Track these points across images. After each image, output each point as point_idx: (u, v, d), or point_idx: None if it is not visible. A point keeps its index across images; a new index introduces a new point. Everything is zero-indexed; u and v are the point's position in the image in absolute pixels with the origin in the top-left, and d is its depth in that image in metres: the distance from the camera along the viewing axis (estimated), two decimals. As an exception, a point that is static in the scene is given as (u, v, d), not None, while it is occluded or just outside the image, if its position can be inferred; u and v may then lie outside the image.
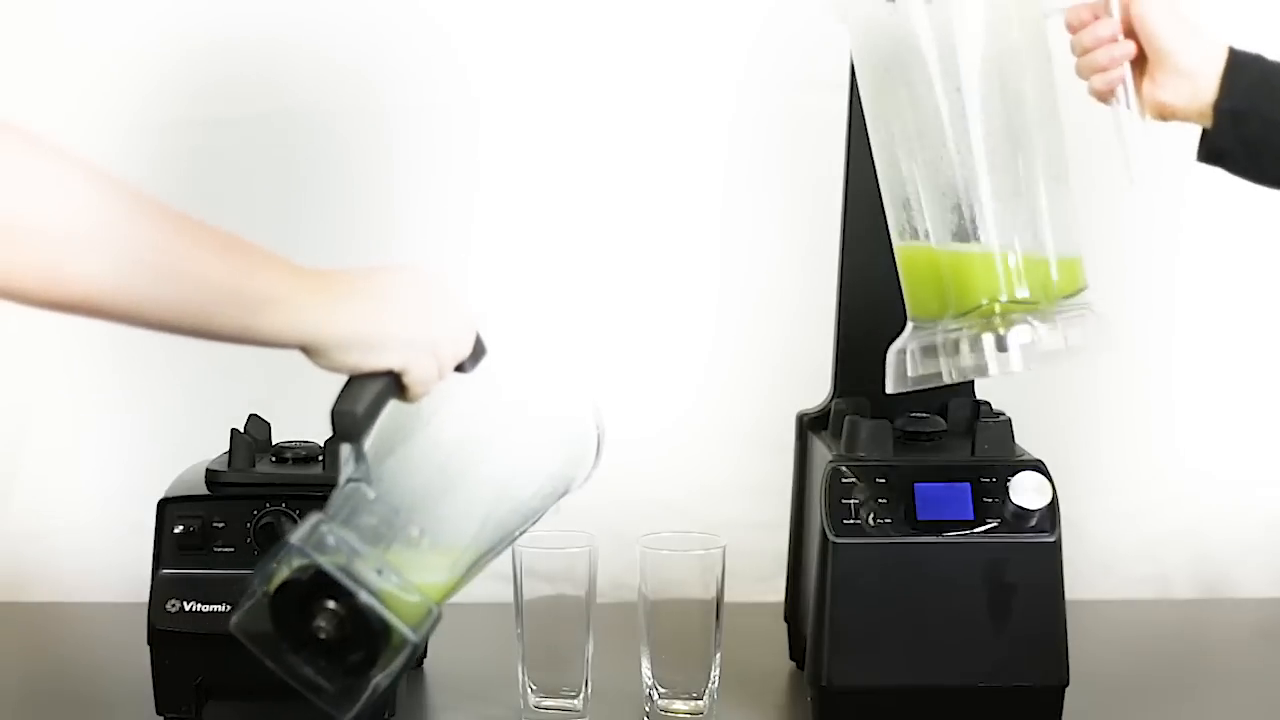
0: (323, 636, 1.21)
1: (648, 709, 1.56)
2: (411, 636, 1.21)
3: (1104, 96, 1.39)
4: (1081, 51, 1.39)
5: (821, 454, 1.58)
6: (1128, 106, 1.38)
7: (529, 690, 1.57)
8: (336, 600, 1.20)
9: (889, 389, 1.43)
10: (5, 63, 1.90)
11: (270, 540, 1.51)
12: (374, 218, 1.92)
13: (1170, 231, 1.94)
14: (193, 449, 1.65)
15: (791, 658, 1.73)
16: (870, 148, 1.43)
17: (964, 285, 1.38)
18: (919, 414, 1.58)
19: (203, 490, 1.56)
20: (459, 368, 1.28)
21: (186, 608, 1.51)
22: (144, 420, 1.94)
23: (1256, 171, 1.38)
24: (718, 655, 1.55)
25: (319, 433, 1.60)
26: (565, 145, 1.94)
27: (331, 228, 1.90)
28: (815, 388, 1.69)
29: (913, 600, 1.49)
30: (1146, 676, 1.72)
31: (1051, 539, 1.50)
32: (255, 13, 1.91)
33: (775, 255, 1.94)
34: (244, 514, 1.53)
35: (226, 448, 1.58)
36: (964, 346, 1.37)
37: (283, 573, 1.21)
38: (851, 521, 1.49)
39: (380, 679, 1.23)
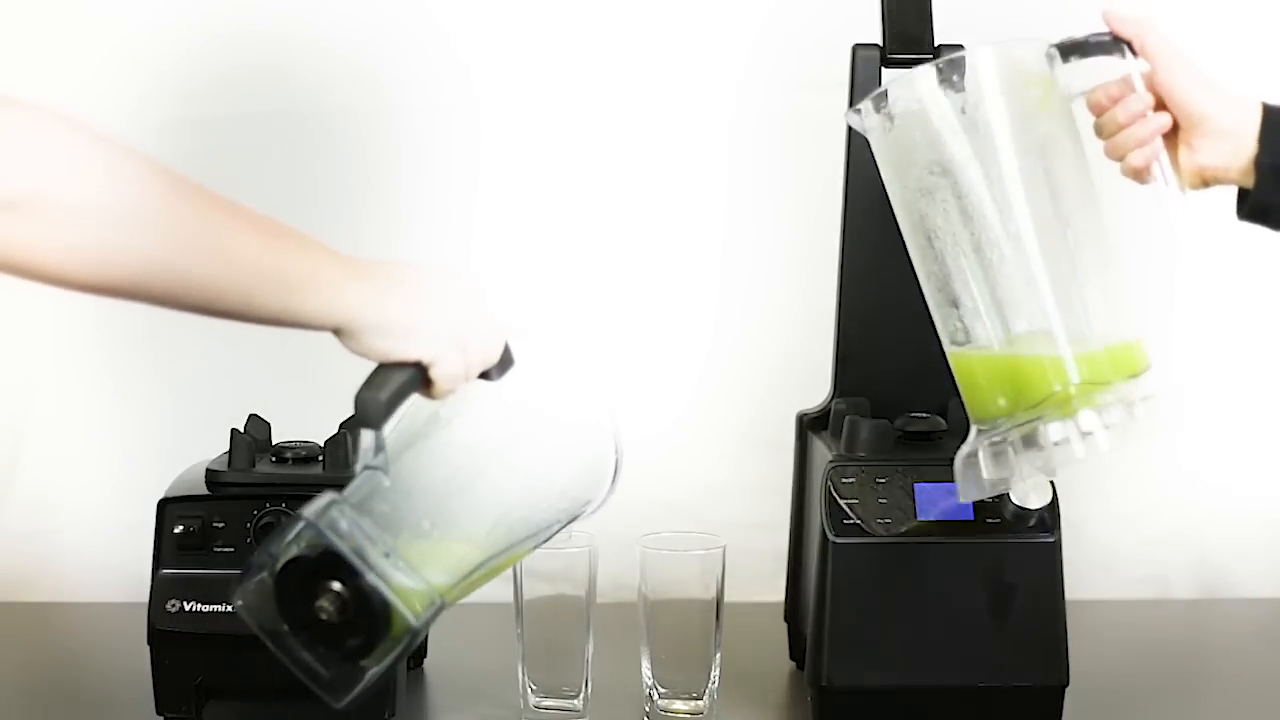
0: (324, 617, 1.21)
1: (648, 709, 1.56)
2: (413, 621, 1.21)
3: (1141, 173, 1.37)
4: (1115, 129, 1.37)
5: (821, 454, 1.58)
6: (1166, 180, 1.36)
7: (529, 690, 1.57)
8: (342, 582, 1.20)
9: (962, 498, 1.39)
10: (3, 58, 1.90)
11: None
12: (376, 217, 1.92)
13: (1165, 230, 1.93)
14: (193, 449, 1.65)
15: (791, 658, 1.73)
16: (904, 244, 1.40)
17: (1030, 378, 1.33)
18: (919, 414, 1.58)
19: (203, 490, 1.56)
20: (485, 375, 1.29)
21: (186, 608, 1.51)
22: (144, 420, 1.94)
23: None
24: (718, 655, 1.55)
25: (319, 433, 1.61)
26: (565, 146, 1.94)
27: (333, 227, 1.88)
28: (815, 388, 1.69)
29: (913, 600, 1.49)
30: (1146, 676, 1.72)
31: (1051, 539, 1.50)
32: (255, 11, 1.91)
33: (775, 255, 1.94)
34: (244, 514, 1.53)
35: (226, 448, 1.58)
36: (1044, 438, 1.32)
37: (291, 550, 1.21)
38: (851, 521, 1.49)
39: (377, 669, 1.22)
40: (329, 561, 1.21)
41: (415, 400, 1.25)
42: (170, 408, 1.93)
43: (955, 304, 1.35)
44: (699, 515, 1.79)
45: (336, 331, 1.20)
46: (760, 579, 1.78)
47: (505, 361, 1.30)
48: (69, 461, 1.95)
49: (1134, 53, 1.37)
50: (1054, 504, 1.49)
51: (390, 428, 1.24)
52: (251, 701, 1.55)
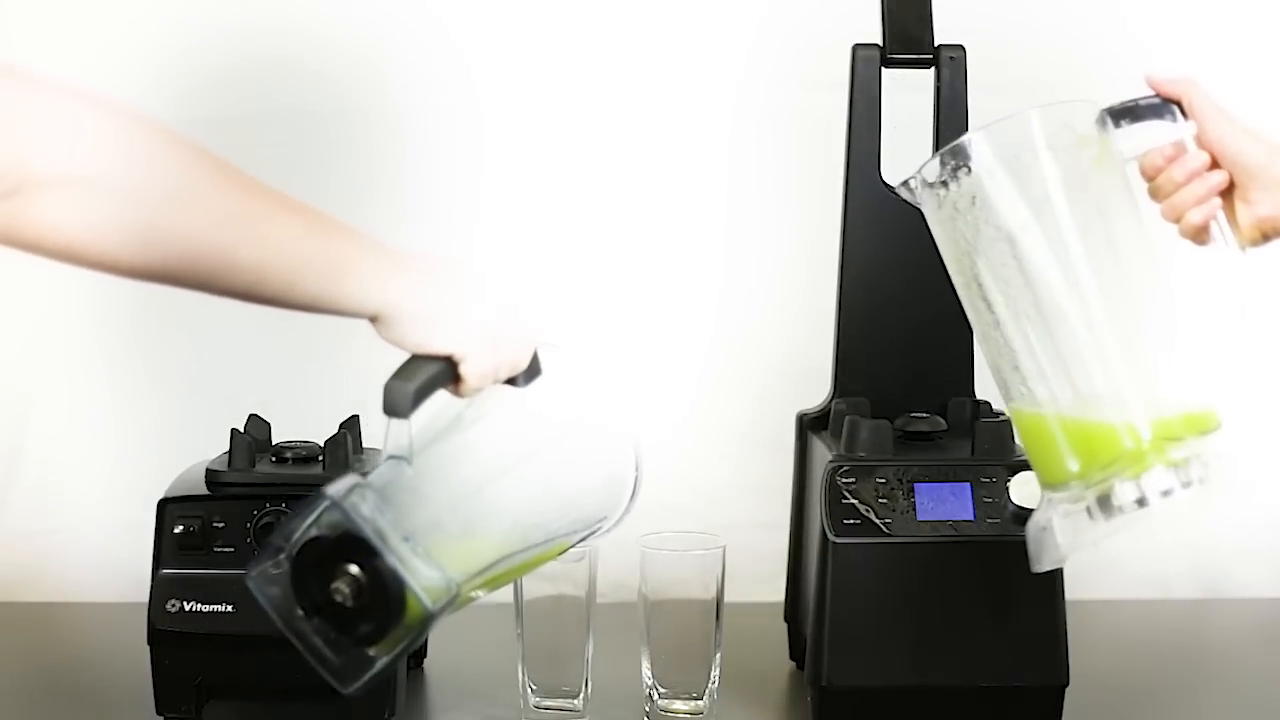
0: (338, 600, 1.20)
1: (648, 709, 1.56)
2: (429, 606, 1.20)
3: (1200, 233, 1.35)
4: (1172, 189, 1.35)
5: (821, 454, 1.57)
6: (1226, 239, 1.35)
7: (529, 690, 1.57)
8: (360, 565, 1.20)
9: (1035, 567, 1.35)
10: (6, 55, 1.90)
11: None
12: (378, 217, 1.91)
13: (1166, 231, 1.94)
14: (193, 449, 1.65)
15: (791, 658, 1.73)
16: (946, 264, 1.37)
17: (1101, 438, 1.30)
18: (919, 414, 1.58)
19: (203, 490, 1.56)
20: (511, 381, 1.29)
21: (186, 608, 1.51)
22: (144, 420, 1.94)
23: None
24: (718, 655, 1.55)
25: (319, 433, 1.61)
26: (567, 147, 1.94)
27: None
28: (815, 388, 1.69)
29: (913, 600, 1.49)
30: (1146, 676, 1.72)
31: (1052, 539, 1.50)
32: (256, 11, 1.91)
33: (775, 255, 1.94)
34: (244, 514, 1.53)
35: (226, 448, 1.58)
36: (1119, 498, 1.29)
37: (312, 530, 1.20)
38: (851, 521, 1.49)
39: (386, 659, 1.22)
40: (348, 544, 1.20)
41: (442, 397, 1.25)
42: (170, 408, 1.93)
43: (1017, 367, 1.32)
44: (699, 515, 1.79)
45: (373, 319, 1.20)
46: (760, 579, 1.78)
47: (533, 370, 1.30)
48: (69, 462, 1.95)
49: (1183, 113, 1.36)
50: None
51: (415, 424, 1.24)
52: (251, 701, 1.55)
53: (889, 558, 1.49)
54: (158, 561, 1.53)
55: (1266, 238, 1.36)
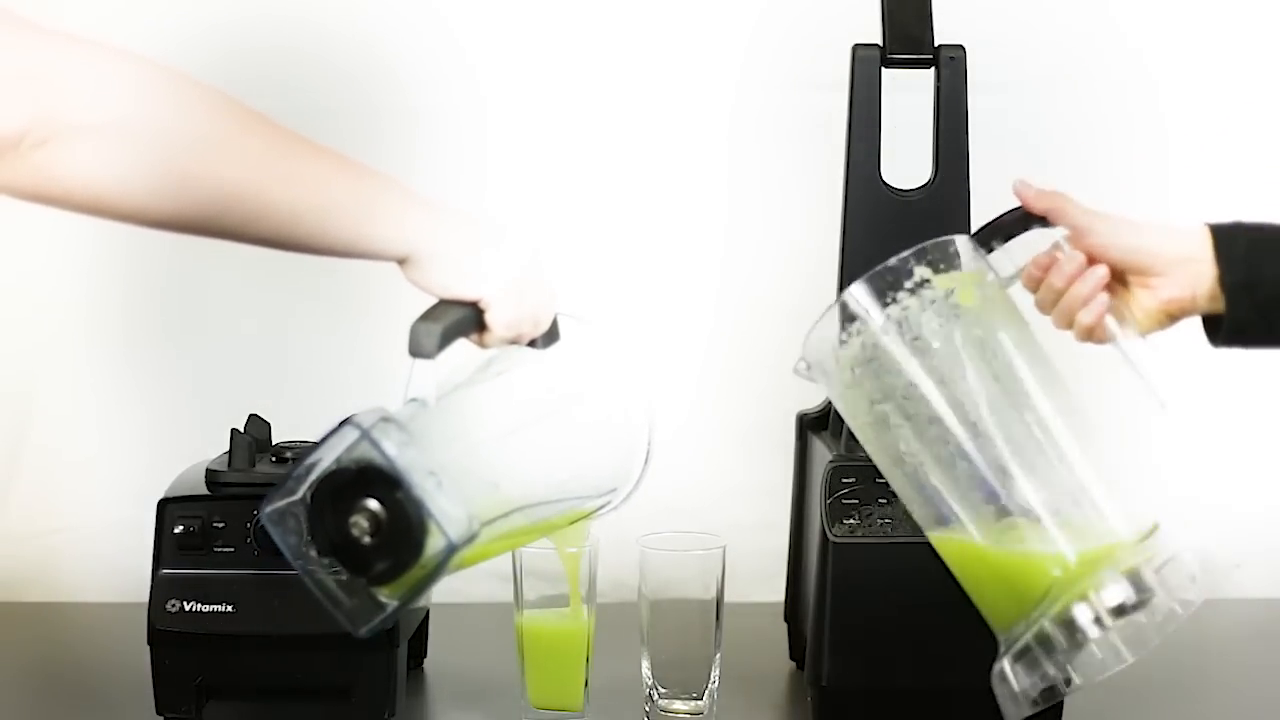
0: (355, 534, 1.18)
1: (648, 709, 1.56)
2: (453, 538, 1.17)
3: (1094, 332, 1.34)
4: (1054, 298, 1.34)
5: (821, 454, 1.57)
6: (1124, 333, 1.34)
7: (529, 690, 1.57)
8: (381, 500, 1.18)
9: (1009, 719, 1.29)
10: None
11: (271, 540, 1.51)
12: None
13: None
14: (193, 449, 1.65)
15: (791, 658, 1.73)
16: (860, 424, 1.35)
17: (1027, 572, 1.26)
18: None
19: (203, 490, 1.56)
20: (531, 344, 1.30)
21: (186, 608, 1.51)
22: (144, 420, 1.94)
23: (1272, 335, 1.35)
24: (718, 655, 1.55)
25: (319, 433, 1.60)
26: (567, 148, 1.94)
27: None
28: (815, 388, 1.68)
29: (913, 600, 1.49)
30: (1146, 676, 1.71)
31: (1051, 539, 1.49)
32: (261, 12, 1.91)
33: (775, 255, 1.94)
34: (244, 514, 1.53)
35: (226, 448, 1.58)
36: (1063, 630, 1.25)
37: (334, 465, 1.18)
38: (851, 521, 1.49)
39: (399, 602, 1.20)
40: (371, 476, 1.17)
41: (463, 352, 1.26)
42: (170, 408, 1.93)
43: (941, 521, 1.30)
44: (699, 515, 1.79)
45: (401, 261, 1.21)
46: (760, 579, 1.78)
47: (552, 333, 1.31)
48: (69, 462, 1.95)
49: (1051, 225, 1.35)
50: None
51: (440, 372, 1.23)
52: (251, 701, 1.55)
53: (889, 558, 1.49)
54: (158, 561, 1.53)
55: (1174, 318, 1.35)
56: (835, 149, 1.62)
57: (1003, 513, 1.27)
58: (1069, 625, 1.24)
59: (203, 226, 1.13)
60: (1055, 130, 1.94)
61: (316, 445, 1.19)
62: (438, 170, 1.93)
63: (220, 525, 1.53)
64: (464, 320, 1.24)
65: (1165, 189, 1.94)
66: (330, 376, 1.88)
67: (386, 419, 1.20)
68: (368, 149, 1.91)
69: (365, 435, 1.17)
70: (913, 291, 1.30)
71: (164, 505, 1.54)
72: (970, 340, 1.29)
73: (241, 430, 1.59)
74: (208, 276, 1.92)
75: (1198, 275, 1.33)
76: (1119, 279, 1.35)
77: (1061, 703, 1.50)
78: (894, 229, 1.59)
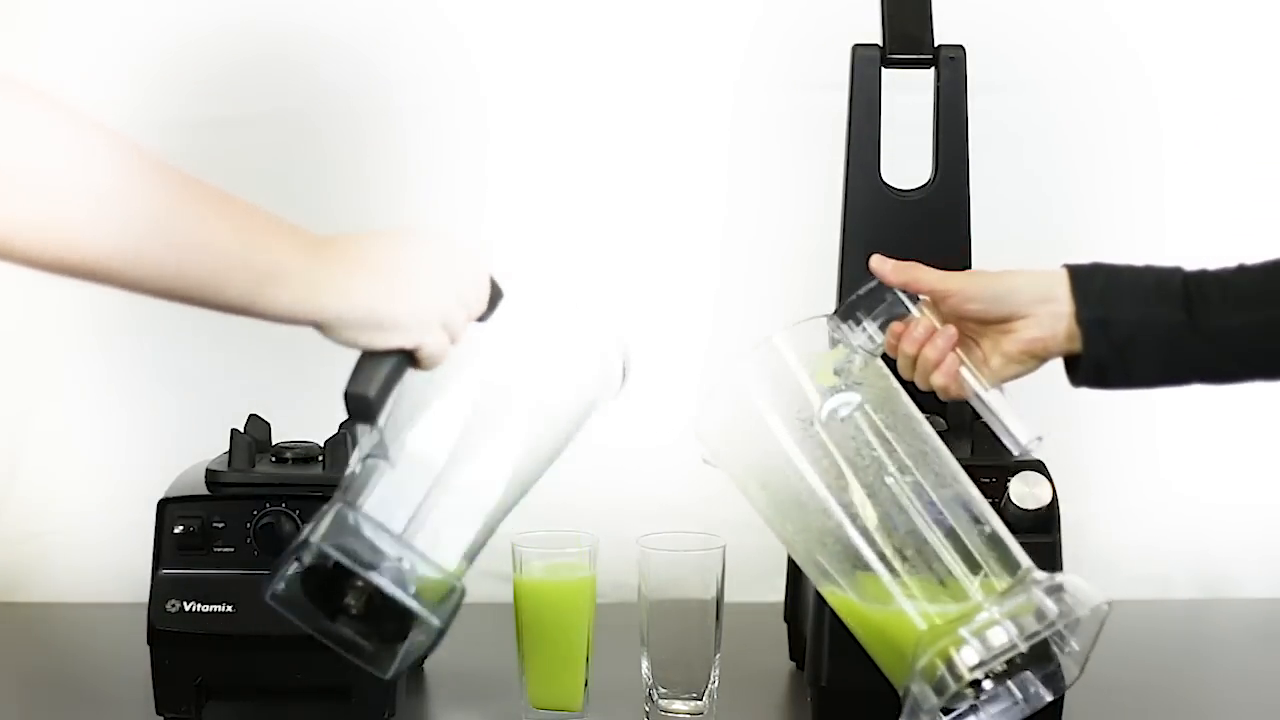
0: (354, 613, 1.22)
1: (648, 709, 1.56)
2: (435, 622, 1.22)
3: (948, 388, 1.37)
4: (910, 363, 1.37)
5: (821, 454, 1.57)
6: (981, 384, 1.36)
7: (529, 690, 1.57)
8: (361, 581, 1.21)
9: None
10: (9, 60, 1.90)
11: (270, 540, 1.52)
12: (381, 216, 1.92)
13: (1157, 234, 1.94)
14: (193, 449, 1.65)
15: (791, 658, 1.73)
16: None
17: (895, 630, 1.29)
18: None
19: (203, 490, 1.56)
20: (479, 317, 1.29)
21: (186, 608, 1.51)
22: (144, 420, 1.94)
23: (1131, 373, 1.36)
24: (718, 655, 1.55)
25: (319, 433, 1.61)
26: (567, 149, 1.94)
27: (339, 228, 1.90)
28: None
29: (912, 600, 1.49)
30: (1146, 676, 1.72)
31: (1051, 539, 1.49)
32: (261, 9, 1.91)
33: (775, 255, 1.94)
34: (244, 514, 1.53)
35: (226, 448, 1.58)
36: (918, 691, 1.26)
37: (305, 563, 1.22)
38: (851, 522, 1.49)
39: (418, 643, 1.24)
40: (348, 570, 1.21)
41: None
42: (170, 408, 1.93)
43: (825, 574, 1.33)
44: (699, 515, 1.79)
45: (316, 326, 1.19)
46: (760, 579, 1.78)
47: (494, 298, 1.30)
48: (69, 462, 1.95)
49: (911, 297, 1.38)
50: (1054, 504, 1.49)
51: (385, 417, 1.24)
52: (251, 701, 1.55)
53: (889, 558, 1.49)
54: (158, 561, 1.53)
55: (1038, 359, 1.37)
56: (835, 149, 1.62)
57: (865, 568, 1.30)
58: (938, 688, 1.25)
59: (97, 277, 1.09)
60: (1055, 130, 1.95)
61: (290, 549, 1.22)
62: (438, 169, 1.93)
63: (220, 525, 1.53)
64: (395, 370, 1.23)
65: (1161, 188, 1.94)
66: (330, 376, 1.87)
67: (345, 510, 1.22)
68: (367, 150, 1.94)
69: (316, 547, 1.20)
70: None
71: (164, 505, 1.54)
72: (835, 417, 1.33)
73: (241, 430, 1.59)
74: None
75: (1056, 315, 1.35)
76: (984, 327, 1.37)
77: (1061, 703, 1.50)
78: (894, 229, 1.60)
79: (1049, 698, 1.31)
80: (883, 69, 1.59)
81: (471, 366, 1.32)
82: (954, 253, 1.59)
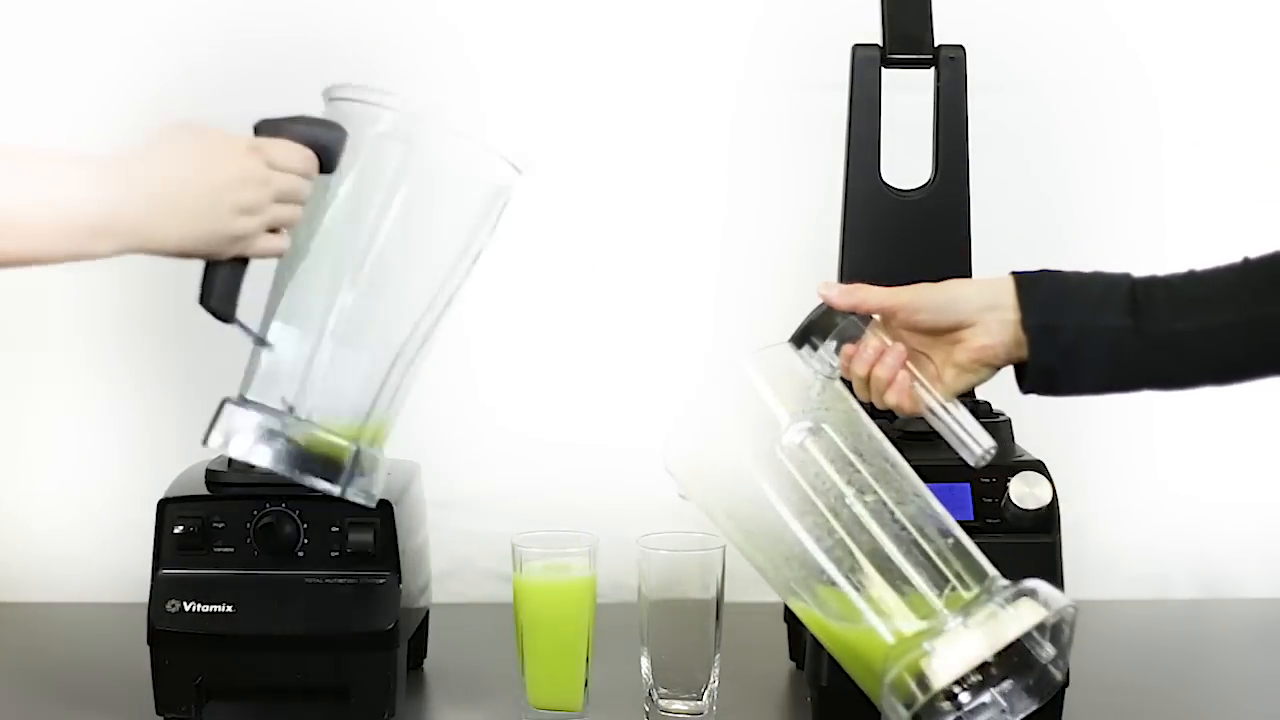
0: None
1: (648, 709, 1.56)
2: (336, 491, 1.39)
3: (903, 405, 1.38)
4: (863, 384, 1.39)
5: (821, 454, 1.57)
6: (935, 398, 1.37)
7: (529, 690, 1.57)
8: None
9: None
10: (10, 63, 1.91)
11: (270, 540, 1.52)
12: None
13: (1157, 233, 1.94)
14: (193, 449, 1.65)
15: (791, 658, 1.73)
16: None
17: (865, 648, 1.30)
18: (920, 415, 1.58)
19: (203, 490, 1.56)
20: (325, 169, 1.36)
21: (186, 608, 1.51)
22: (143, 420, 1.94)
23: (1078, 378, 1.36)
24: (717, 655, 1.55)
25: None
26: (567, 149, 1.94)
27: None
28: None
29: (912, 600, 1.49)
30: (1146, 676, 1.72)
31: (1051, 539, 1.50)
32: (261, 11, 1.91)
33: (775, 255, 1.94)
34: (244, 514, 1.53)
35: (226, 448, 1.58)
36: (889, 706, 1.27)
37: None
38: (851, 522, 1.49)
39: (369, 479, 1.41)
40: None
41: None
42: (170, 408, 1.93)
43: (796, 595, 1.34)
44: (699, 515, 1.79)
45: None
46: (760, 579, 1.78)
47: (330, 145, 1.37)
48: (68, 462, 1.95)
49: (860, 317, 1.39)
50: (1054, 504, 1.49)
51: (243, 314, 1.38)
52: (251, 701, 1.55)
53: (889, 558, 1.49)
54: (158, 561, 1.53)
55: (991, 366, 1.38)
56: (835, 149, 1.62)
57: (833, 586, 1.31)
58: (907, 702, 1.25)
59: None
60: (1054, 130, 1.95)
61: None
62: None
63: (220, 525, 1.53)
64: (233, 273, 1.34)
65: (1161, 188, 1.95)
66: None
67: (225, 408, 1.42)
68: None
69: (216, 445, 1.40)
70: None
71: (164, 505, 1.54)
72: (798, 438, 1.34)
73: (241, 430, 1.59)
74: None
75: (1004, 322, 1.36)
76: (935, 341, 1.38)
77: (1061, 703, 1.50)
78: (894, 229, 1.60)
79: (1034, 705, 1.31)
80: (883, 69, 1.59)
81: (317, 221, 1.40)
82: (954, 253, 1.60)
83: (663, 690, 1.55)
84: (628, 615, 1.57)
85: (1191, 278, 1.35)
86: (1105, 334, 1.34)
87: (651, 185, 1.95)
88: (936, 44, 1.59)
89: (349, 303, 1.40)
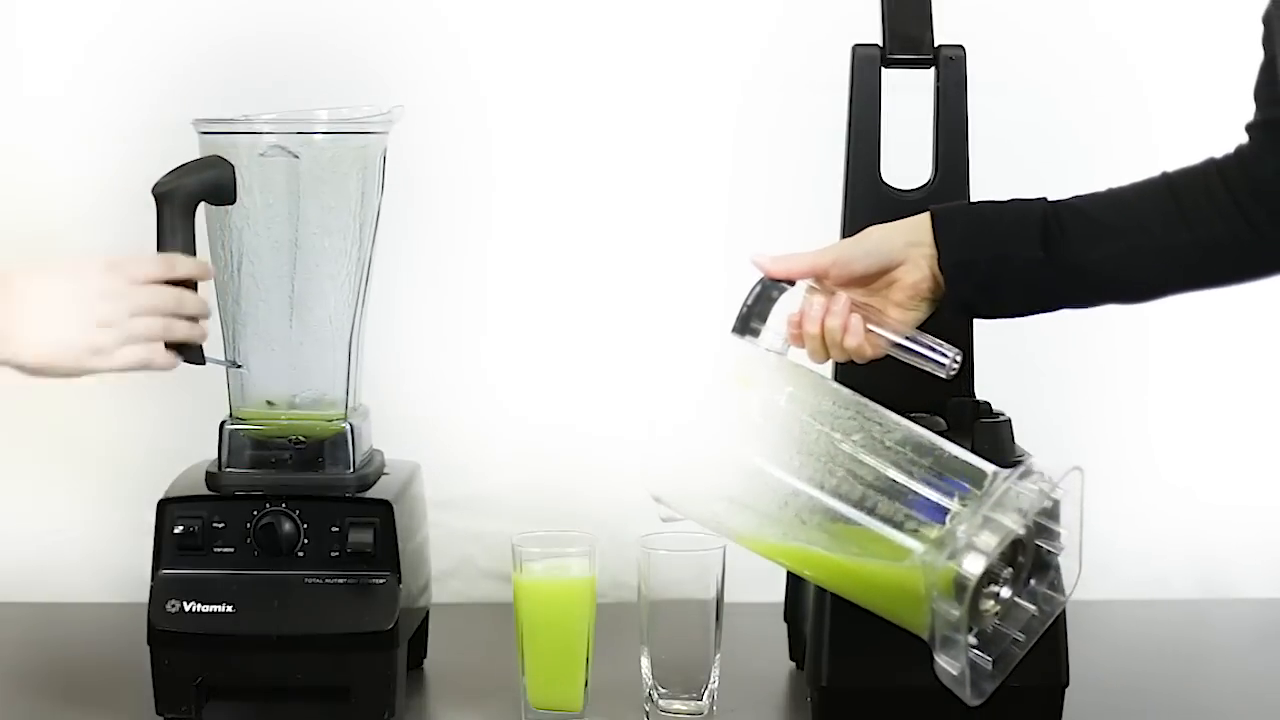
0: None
1: (648, 709, 1.56)
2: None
3: (863, 348, 1.41)
4: (818, 344, 1.42)
5: (821, 454, 1.57)
6: (891, 331, 1.41)
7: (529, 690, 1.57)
8: None
9: (971, 702, 1.33)
10: (16, 65, 1.91)
11: (270, 540, 1.52)
12: (382, 216, 1.92)
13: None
14: (193, 449, 1.65)
15: (791, 658, 1.73)
16: None
17: (902, 571, 1.31)
18: (919, 414, 1.58)
19: (203, 490, 1.56)
20: (225, 202, 1.50)
21: (186, 608, 1.51)
22: (143, 420, 1.94)
23: (999, 307, 1.43)
24: (717, 655, 1.55)
25: (319, 433, 1.60)
26: (570, 150, 1.94)
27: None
28: (814, 389, 1.68)
29: (912, 600, 1.49)
30: (1146, 676, 1.72)
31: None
32: (264, 13, 1.91)
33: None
34: (244, 514, 1.53)
35: (227, 448, 1.59)
36: (941, 610, 1.28)
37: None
38: (851, 521, 1.49)
39: None
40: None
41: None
42: (170, 408, 1.93)
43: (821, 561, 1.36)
44: (699, 516, 1.79)
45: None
46: (760, 579, 1.78)
47: (223, 183, 1.51)
48: (69, 462, 1.95)
49: (790, 283, 1.43)
50: (1054, 504, 1.49)
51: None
52: (251, 701, 1.55)
53: (889, 558, 1.49)
54: (158, 561, 1.53)
55: (929, 299, 1.42)
56: (835, 149, 1.62)
57: (849, 523, 1.33)
58: (957, 597, 1.27)
59: None
60: (1054, 130, 1.95)
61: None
62: (441, 169, 1.93)
63: (220, 525, 1.53)
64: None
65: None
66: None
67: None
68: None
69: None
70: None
71: (164, 505, 1.54)
72: (773, 408, 1.38)
73: (241, 430, 1.59)
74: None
75: (929, 257, 1.42)
76: (871, 288, 1.43)
77: (1061, 703, 1.50)
78: (894, 229, 1.59)
79: (1063, 600, 1.35)
80: (883, 69, 1.59)
81: (242, 245, 1.54)
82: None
83: (663, 690, 1.55)
84: (628, 615, 1.57)
85: (1105, 200, 1.41)
86: (1018, 266, 1.40)
87: (652, 186, 1.95)
88: (936, 44, 1.59)
89: (297, 297, 1.52)
